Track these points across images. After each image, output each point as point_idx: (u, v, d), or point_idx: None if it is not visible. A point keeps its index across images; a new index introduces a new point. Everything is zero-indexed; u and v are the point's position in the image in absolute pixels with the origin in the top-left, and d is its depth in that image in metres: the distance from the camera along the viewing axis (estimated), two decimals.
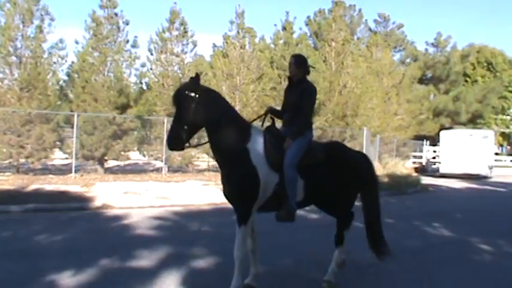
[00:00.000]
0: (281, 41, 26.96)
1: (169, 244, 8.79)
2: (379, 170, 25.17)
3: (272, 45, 27.96)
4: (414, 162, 37.78)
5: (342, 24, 29.53)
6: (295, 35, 27.70)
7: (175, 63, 23.89)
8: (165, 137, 20.93)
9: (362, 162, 6.96)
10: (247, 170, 5.89)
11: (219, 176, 19.89)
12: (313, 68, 7.49)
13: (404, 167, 29.49)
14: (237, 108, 23.26)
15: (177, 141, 5.77)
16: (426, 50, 52.83)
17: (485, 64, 55.15)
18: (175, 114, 5.82)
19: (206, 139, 6.05)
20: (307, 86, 6.49)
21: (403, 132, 35.76)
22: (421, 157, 38.87)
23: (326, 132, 25.10)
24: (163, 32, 23.68)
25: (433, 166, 35.51)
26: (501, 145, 55.11)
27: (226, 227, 10.76)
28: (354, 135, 26.30)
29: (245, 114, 23.39)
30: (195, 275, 6.92)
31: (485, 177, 32.29)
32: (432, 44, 52.73)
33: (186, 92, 5.79)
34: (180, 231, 10.39)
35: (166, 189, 16.85)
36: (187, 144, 5.88)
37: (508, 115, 54.87)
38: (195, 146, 6.14)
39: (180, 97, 5.82)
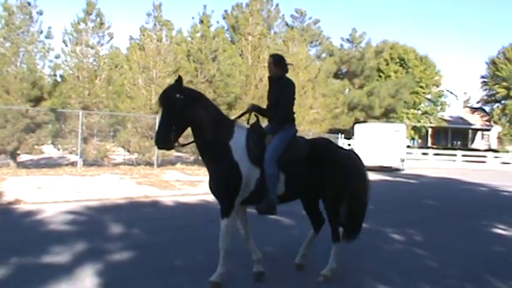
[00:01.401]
0: (198, 34, 27.10)
1: (84, 239, 8.76)
2: None
3: (189, 39, 28.09)
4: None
5: (259, 18, 30.02)
6: (212, 28, 27.91)
7: (91, 55, 23.67)
8: (80, 131, 21.03)
9: (348, 161, 7.02)
10: (229, 166, 6.21)
11: (135, 169, 20.12)
12: (291, 64, 7.79)
13: None
14: (153, 101, 23.47)
15: (165, 140, 6.09)
16: (341, 45, 54.13)
17: (398, 60, 56.85)
18: (163, 115, 6.15)
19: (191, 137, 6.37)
20: (286, 82, 6.80)
21: (318, 126, 36.36)
22: None
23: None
24: (79, 23, 23.34)
25: None
26: (412, 138, 56.98)
27: (142, 221, 11.05)
28: None
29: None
30: (110, 270, 6.96)
31: (398, 169, 33.43)
32: (347, 39, 54.08)
33: (172, 94, 6.11)
34: (95, 226, 10.30)
35: (82, 183, 16.85)
36: (176, 144, 6.24)
37: (419, 110, 56.87)
38: (183, 145, 6.42)
39: (166, 99, 6.14)
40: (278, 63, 6.86)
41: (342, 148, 7.45)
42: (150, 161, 23.26)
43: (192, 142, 6.52)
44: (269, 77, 7.01)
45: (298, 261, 7.18)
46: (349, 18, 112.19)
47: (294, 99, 6.89)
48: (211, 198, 15.02)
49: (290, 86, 6.76)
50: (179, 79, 6.24)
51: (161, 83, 23.81)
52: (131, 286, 6.38)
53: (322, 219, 7.18)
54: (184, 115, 6.12)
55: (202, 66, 25.85)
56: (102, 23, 23.77)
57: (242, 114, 6.90)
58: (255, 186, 6.34)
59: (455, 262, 8.21)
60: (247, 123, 6.78)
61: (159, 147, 6.33)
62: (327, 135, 39.47)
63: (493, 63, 66.22)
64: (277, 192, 6.40)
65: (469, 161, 45.37)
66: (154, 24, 24.78)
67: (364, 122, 43.49)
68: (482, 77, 68.23)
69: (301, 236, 7.60)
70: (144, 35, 24.79)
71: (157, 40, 24.55)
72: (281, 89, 6.73)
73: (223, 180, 6.25)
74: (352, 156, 7.23)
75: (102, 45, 24.02)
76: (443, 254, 8.63)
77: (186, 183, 18.58)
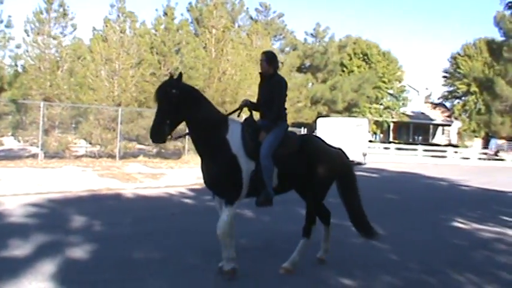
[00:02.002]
0: (162, 27, 27.14)
1: (44, 232, 8.69)
2: None
3: (153, 31, 28.06)
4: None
5: (223, 11, 30.12)
6: (176, 21, 27.96)
7: (53, 45, 23.40)
8: (41, 123, 20.88)
9: (335, 156, 7.39)
10: (229, 159, 6.39)
11: (97, 161, 19.96)
12: (282, 63, 8.00)
13: None
14: (116, 93, 23.42)
15: (159, 134, 6.22)
16: (305, 39, 54.78)
17: (361, 55, 57.57)
18: (158, 109, 6.24)
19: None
20: (278, 80, 7.00)
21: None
22: None
23: None
24: (41, 12, 22.96)
25: None
26: (375, 133, 57.76)
27: (103, 213, 11.00)
28: None
29: (123, 100, 23.60)
30: (70, 263, 6.97)
31: (360, 163, 33.66)
32: (311, 34, 54.74)
33: (168, 89, 6.21)
34: (56, 219, 10.17)
35: (43, 175, 16.77)
36: (169, 137, 6.34)
37: (381, 104, 57.67)
38: (176, 138, 6.57)
39: (162, 93, 6.25)
40: (270, 60, 7.05)
41: (328, 145, 7.63)
42: (112, 153, 23.23)
43: (185, 135, 6.81)
44: (260, 73, 7.19)
45: (320, 256, 7.47)
46: (313, 12, 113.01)
47: (286, 96, 7.15)
48: (173, 191, 15.33)
49: (282, 84, 6.97)
50: (179, 75, 6.34)
51: (124, 75, 23.81)
52: (92, 279, 6.37)
53: (327, 212, 7.46)
54: (180, 110, 6.24)
55: (165, 58, 25.92)
56: (65, 13, 23.46)
57: (236, 110, 7.07)
58: (249, 178, 6.52)
59: (415, 255, 8.42)
60: (238, 116, 7.02)
61: (154, 141, 6.42)
62: (290, 129, 39.78)
63: (454, 59, 67.64)
64: (272, 185, 6.65)
65: (430, 156, 46.29)
66: (118, 16, 24.62)
67: (327, 116, 43.83)
68: (444, 73, 69.59)
69: (263, 228, 7.74)
70: (107, 26, 24.62)
71: (121, 32, 24.44)
72: (274, 87, 6.93)
73: (225, 173, 6.39)
74: (340, 154, 7.57)
75: (64, 35, 23.74)
76: (403, 247, 8.83)
77: (148, 176, 18.62)
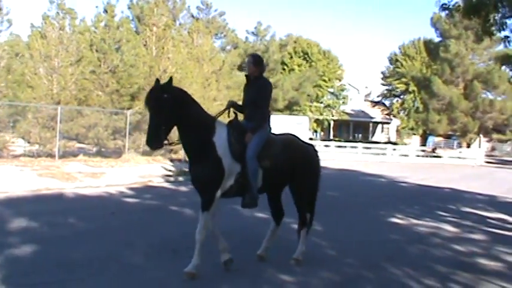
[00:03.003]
0: (102, 24, 26.96)
1: None
2: None
3: (93, 28, 27.85)
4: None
5: (164, 9, 30.01)
6: (116, 18, 27.85)
7: None
8: None
9: (311, 153, 7.90)
10: (214, 160, 6.62)
11: (35, 161, 19.68)
12: (267, 65, 8.32)
13: None
14: (55, 91, 23.19)
15: (157, 140, 6.44)
16: (246, 38, 55.02)
17: (301, 54, 58.36)
18: (152, 115, 6.43)
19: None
20: (264, 82, 7.31)
21: (221, 118, 36.58)
22: None
23: (146, 117, 25.23)
24: None
25: None
26: (315, 131, 58.58)
27: (43, 214, 10.96)
28: None
29: (63, 98, 23.39)
30: (10, 264, 6.93)
31: None
32: (252, 32, 54.99)
33: (160, 95, 6.37)
34: None
35: None
36: (165, 142, 6.55)
37: (321, 102, 58.57)
38: (171, 143, 6.85)
39: (154, 100, 6.40)
40: (257, 63, 7.36)
41: (305, 142, 8.14)
42: (52, 152, 22.97)
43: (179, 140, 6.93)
44: (246, 75, 7.47)
45: (261, 253, 7.69)
46: (254, 11, 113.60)
47: (271, 98, 7.52)
48: (113, 190, 15.47)
49: (267, 87, 7.31)
50: (170, 79, 6.49)
51: (63, 72, 23.58)
52: (31, 280, 6.38)
53: (283, 212, 7.84)
54: (172, 114, 6.40)
55: (105, 56, 25.78)
56: (0, 9, 23.13)
57: (223, 111, 7.30)
58: (234, 180, 6.81)
59: (354, 251, 8.73)
60: (228, 115, 7.29)
61: (152, 148, 6.68)
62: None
63: (393, 59, 69.28)
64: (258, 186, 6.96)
65: (370, 153, 47.19)
66: (57, 12, 24.32)
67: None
68: (383, 72, 71.17)
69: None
70: (46, 23, 24.22)
71: (60, 28, 24.14)
72: (260, 89, 7.21)
73: (208, 175, 6.61)
74: (315, 152, 8.06)
75: (0, 32, 23.44)
76: (342, 243, 9.11)
77: (89, 175, 18.53)
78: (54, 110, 23.08)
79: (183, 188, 16.75)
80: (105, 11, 26.86)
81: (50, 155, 22.88)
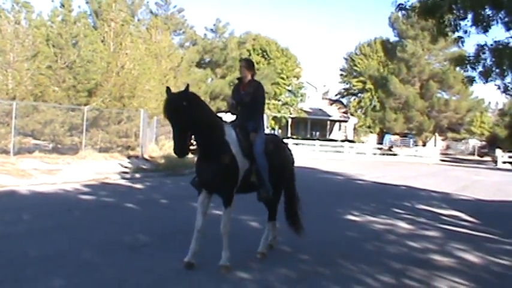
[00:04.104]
0: (59, 18, 26.63)
1: None
2: (156, 151, 26.23)
3: (49, 23, 27.52)
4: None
5: (122, 4, 29.88)
6: (74, 13, 27.52)
7: None
8: None
9: (289, 151, 8.76)
10: (230, 159, 7.01)
11: None
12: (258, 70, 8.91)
13: None
14: (10, 86, 22.91)
15: (184, 149, 6.71)
16: (205, 35, 55.05)
17: (260, 51, 58.59)
18: (176, 126, 6.61)
19: None
20: (258, 84, 7.91)
21: None
22: None
23: (103, 113, 25.24)
24: None
25: None
26: (273, 129, 58.72)
27: (7, 211, 11.05)
28: (131, 117, 26.66)
29: (18, 93, 23.10)
30: None
31: None
32: (211, 29, 55.11)
33: (179, 104, 6.52)
34: None
35: None
36: (191, 147, 6.85)
37: (279, 100, 58.88)
38: (195, 150, 7.04)
39: (175, 110, 6.53)
40: (250, 67, 7.94)
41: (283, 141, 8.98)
42: (6, 148, 22.67)
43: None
44: (238, 78, 8.06)
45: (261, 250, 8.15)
46: (213, 8, 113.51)
47: (265, 99, 8.18)
48: (69, 187, 15.42)
49: (262, 90, 7.88)
50: (187, 87, 6.68)
51: (19, 67, 23.29)
52: None
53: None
54: (193, 120, 6.59)
55: (62, 51, 25.52)
56: None
57: (231, 112, 7.97)
58: (243, 176, 7.23)
59: (310, 247, 8.89)
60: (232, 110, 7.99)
61: (181, 156, 6.78)
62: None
63: (350, 58, 70.20)
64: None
65: (327, 151, 47.78)
66: (13, 6, 23.98)
67: (227, 112, 44.16)
68: (341, 70, 72.03)
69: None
70: (1, 16, 23.86)
71: (16, 22, 23.82)
72: (255, 93, 7.72)
73: (227, 172, 7.00)
74: (288, 148, 8.90)
75: None
76: (298, 240, 9.01)
77: (44, 171, 18.34)
78: (9, 106, 22.77)
79: (139, 185, 16.86)
80: (62, 5, 26.49)
81: (5, 152, 22.57)
